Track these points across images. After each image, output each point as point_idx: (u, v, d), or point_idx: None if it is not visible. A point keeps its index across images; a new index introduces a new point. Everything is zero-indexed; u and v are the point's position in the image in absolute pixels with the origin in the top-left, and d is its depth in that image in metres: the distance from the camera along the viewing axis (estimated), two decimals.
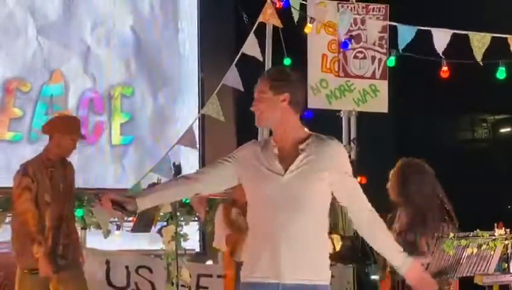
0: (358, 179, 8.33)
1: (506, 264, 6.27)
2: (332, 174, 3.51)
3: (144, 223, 5.74)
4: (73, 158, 9.57)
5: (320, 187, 3.51)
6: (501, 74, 7.33)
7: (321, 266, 3.54)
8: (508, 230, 6.09)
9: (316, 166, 3.48)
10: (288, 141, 3.55)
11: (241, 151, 3.68)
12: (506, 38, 7.37)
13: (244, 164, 3.62)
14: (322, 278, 3.53)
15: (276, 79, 3.57)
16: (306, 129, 3.61)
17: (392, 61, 7.93)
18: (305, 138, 3.55)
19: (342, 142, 8.41)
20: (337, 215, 8.29)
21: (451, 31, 7.49)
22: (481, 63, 7.34)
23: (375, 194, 5.97)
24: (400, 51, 7.62)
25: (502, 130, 15.53)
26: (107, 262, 7.29)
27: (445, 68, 7.38)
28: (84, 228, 7.71)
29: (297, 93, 3.58)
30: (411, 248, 5.11)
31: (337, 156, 3.54)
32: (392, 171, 5.38)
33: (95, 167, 9.65)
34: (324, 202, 3.57)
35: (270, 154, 3.53)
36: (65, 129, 5.77)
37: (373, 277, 8.04)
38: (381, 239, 3.60)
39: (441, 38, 7.47)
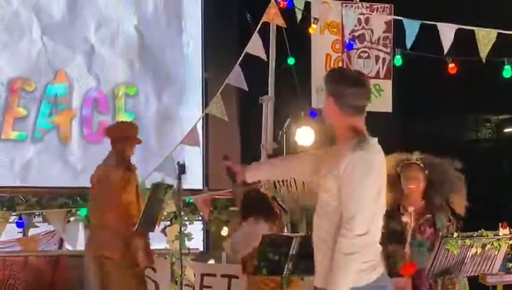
0: None
1: (511, 264, 6.26)
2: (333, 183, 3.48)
3: (147, 222, 5.74)
4: (78, 157, 9.65)
5: (333, 194, 3.48)
6: (507, 72, 7.32)
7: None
8: (511, 230, 6.09)
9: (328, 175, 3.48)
10: (338, 143, 3.55)
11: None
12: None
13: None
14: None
15: (325, 82, 3.60)
16: (358, 135, 3.50)
17: (399, 60, 7.92)
18: (348, 141, 3.49)
19: None
20: None
21: (457, 26, 7.48)
22: (484, 60, 7.32)
23: None
24: (407, 47, 7.60)
25: (506, 130, 15.49)
26: None
27: (451, 65, 7.36)
28: (88, 227, 7.73)
29: (345, 95, 3.50)
30: None
31: (341, 167, 3.44)
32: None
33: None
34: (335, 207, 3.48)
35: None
36: None
37: None
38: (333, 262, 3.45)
39: (447, 33, 7.46)
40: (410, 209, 5.26)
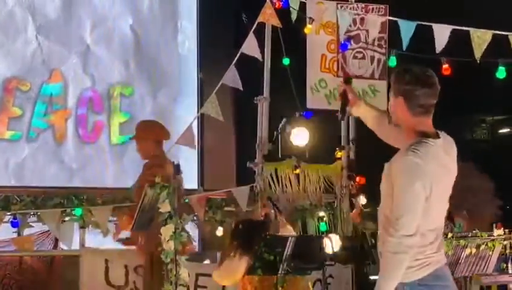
0: (358, 179, 8.37)
1: (505, 265, 6.28)
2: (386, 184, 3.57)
3: (143, 221, 5.74)
4: (73, 157, 9.65)
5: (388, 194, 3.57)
6: (501, 73, 7.33)
7: None
8: (506, 231, 6.11)
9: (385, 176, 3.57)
10: (403, 143, 3.56)
11: None
12: (507, 36, 7.37)
13: None
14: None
15: (392, 81, 3.59)
16: (422, 136, 3.51)
17: (393, 61, 7.92)
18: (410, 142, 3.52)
19: (341, 143, 8.52)
20: (336, 217, 8.32)
21: (452, 27, 7.49)
22: (478, 61, 7.33)
23: (375, 194, 5.99)
24: (404, 48, 7.61)
25: (501, 131, 15.52)
26: (106, 261, 7.29)
27: (445, 66, 7.37)
28: (82, 227, 7.73)
29: (413, 95, 3.50)
30: None
31: (393, 167, 3.51)
32: None
33: (94, 166, 9.65)
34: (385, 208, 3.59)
35: None
36: None
37: (372, 277, 8.05)
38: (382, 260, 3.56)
39: (442, 34, 7.47)
40: None
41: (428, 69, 3.59)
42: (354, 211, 6.21)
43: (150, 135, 6.52)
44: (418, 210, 3.43)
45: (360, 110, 3.96)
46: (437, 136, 3.54)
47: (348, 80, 4.10)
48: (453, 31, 7.56)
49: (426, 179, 3.44)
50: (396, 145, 3.72)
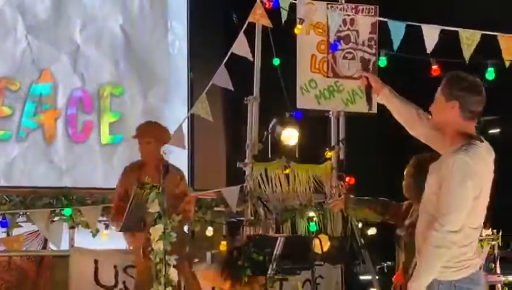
0: (347, 179, 8.38)
1: (493, 265, 6.30)
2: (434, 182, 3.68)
3: (132, 222, 5.73)
4: (63, 157, 9.62)
5: (428, 191, 3.71)
6: (490, 74, 7.34)
7: None
8: (495, 231, 6.14)
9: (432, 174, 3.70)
10: (447, 145, 3.72)
11: None
12: (496, 36, 7.39)
13: None
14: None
15: (448, 85, 3.72)
16: (470, 139, 3.66)
17: (383, 61, 7.93)
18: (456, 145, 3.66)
19: (330, 143, 8.53)
20: (326, 217, 8.32)
21: (441, 27, 7.50)
22: (467, 61, 7.35)
23: (364, 193, 5.99)
24: (395, 48, 7.61)
25: (491, 131, 15.53)
26: (96, 261, 7.29)
27: (435, 66, 7.39)
28: (72, 227, 7.71)
29: (468, 101, 3.68)
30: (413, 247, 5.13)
31: (442, 169, 3.63)
32: (406, 169, 5.29)
33: (84, 166, 9.62)
34: (429, 205, 3.72)
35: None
36: None
37: (361, 277, 8.06)
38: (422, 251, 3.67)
39: (431, 35, 7.49)
40: None
41: (477, 78, 3.81)
42: (335, 200, 6.12)
43: (164, 137, 6.58)
44: (465, 208, 3.57)
45: (386, 99, 4.04)
46: (481, 140, 3.71)
47: (363, 64, 4.18)
48: (443, 32, 7.57)
49: (476, 178, 3.59)
50: (432, 145, 3.90)
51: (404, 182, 5.15)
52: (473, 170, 3.57)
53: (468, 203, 3.57)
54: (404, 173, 5.18)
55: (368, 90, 4.04)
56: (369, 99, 4.06)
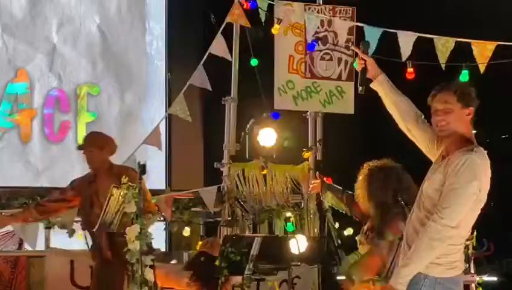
0: (324, 179, 8.39)
1: (467, 265, 6.34)
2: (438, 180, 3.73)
3: (107, 222, 5.72)
4: (39, 157, 9.57)
5: (428, 190, 3.76)
6: (464, 77, 7.39)
7: None
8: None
9: (434, 174, 3.77)
10: (448, 151, 3.79)
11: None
12: (470, 43, 7.45)
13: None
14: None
15: (464, 93, 3.81)
16: (473, 143, 3.78)
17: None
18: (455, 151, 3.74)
19: (308, 144, 8.55)
20: (303, 217, 8.34)
21: (417, 34, 7.55)
22: (444, 67, 7.40)
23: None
24: (369, 53, 7.62)
25: None
26: (72, 262, 7.24)
27: (410, 70, 7.42)
28: (48, 228, 7.67)
29: (476, 108, 3.82)
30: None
31: (451, 166, 3.69)
32: (359, 178, 5.33)
33: (60, 166, 9.58)
34: (428, 203, 3.76)
35: (437, 159, 3.85)
36: None
37: (338, 278, 8.08)
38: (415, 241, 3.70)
39: (407, 40, 7.53)
40: None
41: None
42: (314, 182, 6.24)
43: (107, 146, 6.47)
44: (466, 206, 3.64)
45: (381, 86, 4.07)
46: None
47: (364, 44, 4.14)
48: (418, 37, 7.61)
49: (481, 181, 3.69)
50: (425, 148, 3.98)
51: (356, 192, 5.23)
52: (480, 171, 3.67)
53: (470, 201, 3.65)
54: (356, 183, 5.23)
55: (364, 73, 4.02)
56: (362, 82, 4.03)
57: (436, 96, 3.82)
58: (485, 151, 3.78)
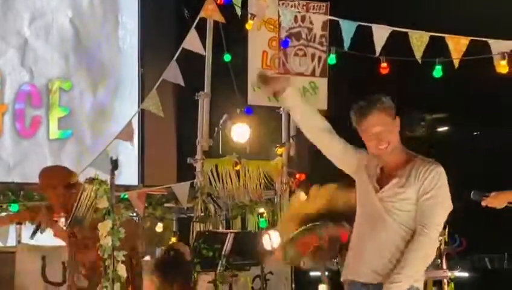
0: (298, 175, 8.41)
1: (439, 260, 6.39)
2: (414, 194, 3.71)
3: (78, 217, 5.67)
4: (10, 152, 9.48)
5: (404, 206, 3.72)
6: (437, 72, 7.42)
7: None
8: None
9: (403, 188, 3.72)
10: (390, 163, 3.77)
11: (361, 153, 3.88)
12: (444, 37, 7.47)
13: (361, 166, 3.87)
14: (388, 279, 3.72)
15: (390, 106, 3.77)
16: (407, 151, 3.80)
17: (333, 59, 7.95)
18: (405, 163, 3.75)
19: (281, 140, 8.55)
20: (276, 213, 8.34)
21: (391, 28, 7.56)
22: (420, 61, 7.41)
23: None
24: (345, 48, 7.63)
25: (440, 129, 15.77)
26: (43, 258, 7.18)
27: (384, 64, 7.44)
28: (19, 223, 7.59)
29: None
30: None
31: (426, 179, 3.70)
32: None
33: (32, 162, 9.49)
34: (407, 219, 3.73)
35: (373, 172, 3.79)
36: None
37: (311, 273, 8.10)
38: (405, 256, 3.69)
39: (381, 35, 7.54)
40: None
41: None
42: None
43: (56, 180, 6.20)
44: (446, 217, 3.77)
45: (290, 93, 3.91)
46: None
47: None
48: (393, 32, 7.62)
49: None
50: (336, 159, 3.94)
51: None
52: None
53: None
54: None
55: (262, 78, 3.92)
56: (264, 84, 3.92)
57: (367, 118, 3.74)
58: None
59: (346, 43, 7.60)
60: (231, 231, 7.24)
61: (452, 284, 6.71)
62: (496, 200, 4.56)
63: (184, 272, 5.88)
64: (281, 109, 8.53)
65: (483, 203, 4.68)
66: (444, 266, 6.56)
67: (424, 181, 3.68)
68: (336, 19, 7.88)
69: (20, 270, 7.11)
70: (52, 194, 6.15)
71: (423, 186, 3.67)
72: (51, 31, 9.82)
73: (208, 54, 8.17)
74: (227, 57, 8.11)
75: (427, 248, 3.66)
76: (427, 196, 3.66)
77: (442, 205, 3.69)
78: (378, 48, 7.42)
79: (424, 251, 3.65)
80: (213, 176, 8.10)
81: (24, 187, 8.00)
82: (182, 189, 7.90)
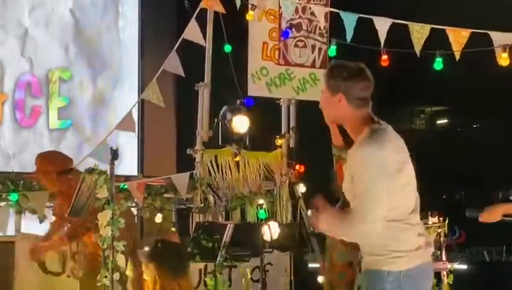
0: (297, 167, 8.41)
1: (439, 252, 6.40)
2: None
3: (78, 207, 5.67)
4: (10, 142, 9.47)
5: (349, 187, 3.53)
6: (438, 65, 7.40)
7: None
8: (441, 219, 6.23)
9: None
10: (354, 139, 3.56)
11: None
12: (444, 29, 7.45)
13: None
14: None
15: (329, 78, 3.54)
16: (372, 123, 3.51)
17: (333, 51, 7.93)
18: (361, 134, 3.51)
19: (281, 131, 8.55)
20: (275, 204, 8.34)
21: (392, 20, 7.54)
22: (419, 54, 7.40)
23: (315, 181, 6.03)
24: (348, 40, 7.62)
25: (439, 122, 15.79)
26: None
27: (385, 57, 7.42)
28: (19, 213, 7.60)
29: (354, 89, 3.50)
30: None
31: (353, 158, 3.51)
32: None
33: (31, 151, 9.44)
34: None
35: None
36: None
37: (310, 265, 8.12)
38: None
39: (382, 27, 7.52)
40: None
41: (359, 63, 3.59)
42: None
43: (48, 168, 6.25)
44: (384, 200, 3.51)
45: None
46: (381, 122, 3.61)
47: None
48: (394, 23, 7.60)
49: (392, 165, 3.54)
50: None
51: None
52: (384, 160, 3.43)
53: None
54: None
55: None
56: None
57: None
58: (387, 126, 3.58)
59: (349, 36, 7.58)
60: (230, 222, 7.24)
61: (451, 276, 6.73)
62: (491, 216, 4.52)
63: (174, 259, 5.90)
64: (281, 100, 8.53)
65: (480, 220, 4.64)
66: (444, 258, 6.58)
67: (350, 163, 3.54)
68: (337, 10, 7.86)
69: (20, 260, 7.11)
70: (44, 179, 6.21)
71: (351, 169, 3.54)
72: (51, 20, 9.81)
73: (208, 45, 8.15)
74: (227, 48, 8.10)
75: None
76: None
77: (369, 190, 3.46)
78: (382, 40, 7.39)
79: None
80: (212, 167, 8.09)
81: (24, 177, 7.99)
82: (181, 180, 7.89)
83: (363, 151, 3.45)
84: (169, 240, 6.37)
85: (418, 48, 7.43)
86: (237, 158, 8.19)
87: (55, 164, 6.25)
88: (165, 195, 8.19)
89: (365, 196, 3.41)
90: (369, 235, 3.44)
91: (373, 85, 3.56)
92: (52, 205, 7.53)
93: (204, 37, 7.95)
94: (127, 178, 7.98)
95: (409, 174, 3.56)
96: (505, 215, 4.58)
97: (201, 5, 7.93)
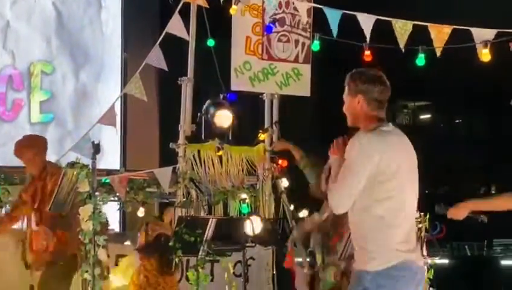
0: (280, 161, 8.41)
1: (420, 247, 6.40)
2: None
3: (59, 202, 5.65)
4: None
5: None
6: (420, 61, 7.42)
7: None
8: (422, 214, 6.24)
9: None
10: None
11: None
12: (427, 26, 7.47)
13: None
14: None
15: (350, 82, 3.91)
16: (380, 123, 3.85)
17: (316, 46, 7.93)
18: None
19: (264, 125, 8.55)
20: (258, 199, 8.35)
21: (375, 17, 7.55)
22: (403, 49, 7.41)
23: (297, 176, 6.03)
24: (334, 35, 7.61)
25: (422, 117, 15.85)
26: (23, 242, 7.13)
27: (367, 52, 7.43)
28: (0, 207, 7.56)
29: (372, 92, 3.87)
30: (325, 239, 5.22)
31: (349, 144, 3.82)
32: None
33: (13, 145, 9.41)
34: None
35: None
36: None
37: (295, 259, 8.12)
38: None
39: (366, 23, 7.52)
40: None
41: (378, 71, 3.99)
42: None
43: (25, 151, 6.30)
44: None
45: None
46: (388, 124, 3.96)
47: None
48: (377, 20, 7.61)
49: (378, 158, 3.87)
50: None
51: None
52: (372, 151, 3.73)
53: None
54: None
55: None
56: None
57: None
58: (390, 127, 3.91)
59: (334, 31, 7.58)
60: (213, 216, 7.24)
61: (432, 271, 6.75)
62: (459, 212, 4.52)
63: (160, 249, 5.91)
64: (264, 94, 8.53)
65: (448, 216, 4.65)
66: (425, 253, 6.59)
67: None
68: (320, 6, 7.86)
69: (2, 255, 7.07)
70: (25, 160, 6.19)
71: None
72: (33, 13, 9.75)
73: (192, 39, 8.13)
74: (210, 42, 8.08)
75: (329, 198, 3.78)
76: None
77: (349, 168, 3.74)
78: (367, 36, 7.40)
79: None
80: (195, 162, 8.08)
81: (5, 170, 7.95)
82: (164, 174, 7.86)
83: (357, 137, 3.77)
84: (168, 234, 6.39)
85: (401, 44, 7.45)
86: (220, 152, 8.18)
87: (32, 145, 6.28)
88: (148, 189, 8.17)
89: (344, 173, 3.74)
90: (339, 205, 3.75)
91: (390, 90, 3.94)
92: None
93: (188, 31, 7.93)
94: (109, 172, 7.96)
95: (403, 176, 3.85)
96: (473, 212, 4.56)
97: None
